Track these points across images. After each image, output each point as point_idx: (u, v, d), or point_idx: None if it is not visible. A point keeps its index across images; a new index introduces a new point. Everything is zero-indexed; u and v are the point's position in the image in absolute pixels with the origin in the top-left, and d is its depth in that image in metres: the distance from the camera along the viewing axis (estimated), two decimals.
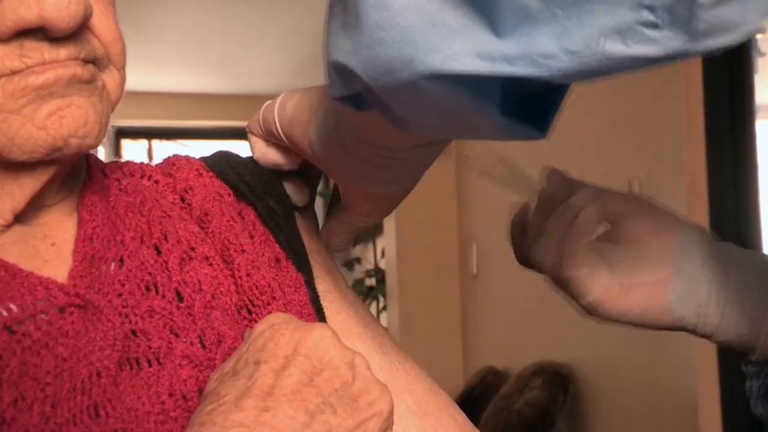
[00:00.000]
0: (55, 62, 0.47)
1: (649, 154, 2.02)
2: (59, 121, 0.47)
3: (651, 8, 0.30)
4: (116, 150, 4.80)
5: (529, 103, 0.39)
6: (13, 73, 0.47)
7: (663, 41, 0.31)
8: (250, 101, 2.69)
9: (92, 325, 0.49)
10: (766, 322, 0.55)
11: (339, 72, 0.40)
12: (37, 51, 0.47)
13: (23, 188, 0.50)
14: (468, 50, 0.34)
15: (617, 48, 0.31)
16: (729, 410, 1.88)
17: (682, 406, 2.00)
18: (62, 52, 0.48)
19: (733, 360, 1.88)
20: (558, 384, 2.43)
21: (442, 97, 0.37)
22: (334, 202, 0.62)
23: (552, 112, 0.40)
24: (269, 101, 0.58)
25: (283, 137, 0.57)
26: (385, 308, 3.98)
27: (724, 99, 1.89)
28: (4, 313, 0.47)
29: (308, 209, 0.64)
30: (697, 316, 0.56)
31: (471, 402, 2.82)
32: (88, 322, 0.49)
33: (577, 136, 2.30)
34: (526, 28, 0.33)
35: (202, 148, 4.06)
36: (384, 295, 3.96)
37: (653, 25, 0.31)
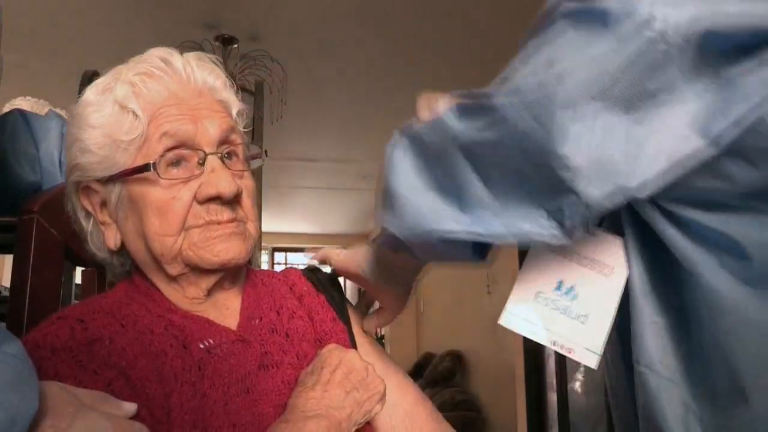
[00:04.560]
0: (225, 222, 0.76)
1: None
2: (225, 253, 0.77)
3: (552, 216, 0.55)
4: (271, 256, 9.40)
5: (481, 245, 0.69)
6: (207, 223, 0.75)
7: (555, 236, 0.56)
8: (328, 238, 8.48)
9: (246, 349, 0.78)
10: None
11: (388, 235, 0.72)
12: (214, 210, 0.77)
13: (208, 280, 0.81)
14: (453, 225, 0.62)
15: (531, 230, 0.58)
16: None
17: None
18: (226, 214, 0.77)
19: None
20: (458, 359, 5.94)
21: (440, 246, 0.67)
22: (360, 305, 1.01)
23: (491, 249, 0.70)
24: (328, 249, 0.96)
25: (339, 268, 0.93)
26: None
27: None
28: (207, 343, 0.77)
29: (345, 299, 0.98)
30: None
31: (418, 367, 6.45)
32: (244, 348, 0.78)
33: None
34: (481, 212, 0.60)
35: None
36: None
37: (554, 227, 0.55)
